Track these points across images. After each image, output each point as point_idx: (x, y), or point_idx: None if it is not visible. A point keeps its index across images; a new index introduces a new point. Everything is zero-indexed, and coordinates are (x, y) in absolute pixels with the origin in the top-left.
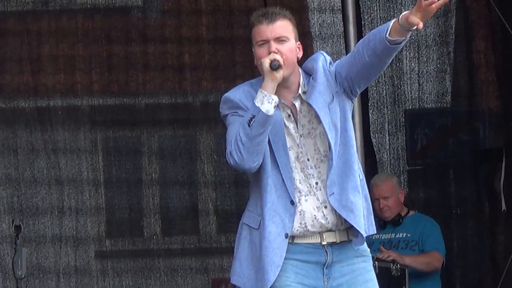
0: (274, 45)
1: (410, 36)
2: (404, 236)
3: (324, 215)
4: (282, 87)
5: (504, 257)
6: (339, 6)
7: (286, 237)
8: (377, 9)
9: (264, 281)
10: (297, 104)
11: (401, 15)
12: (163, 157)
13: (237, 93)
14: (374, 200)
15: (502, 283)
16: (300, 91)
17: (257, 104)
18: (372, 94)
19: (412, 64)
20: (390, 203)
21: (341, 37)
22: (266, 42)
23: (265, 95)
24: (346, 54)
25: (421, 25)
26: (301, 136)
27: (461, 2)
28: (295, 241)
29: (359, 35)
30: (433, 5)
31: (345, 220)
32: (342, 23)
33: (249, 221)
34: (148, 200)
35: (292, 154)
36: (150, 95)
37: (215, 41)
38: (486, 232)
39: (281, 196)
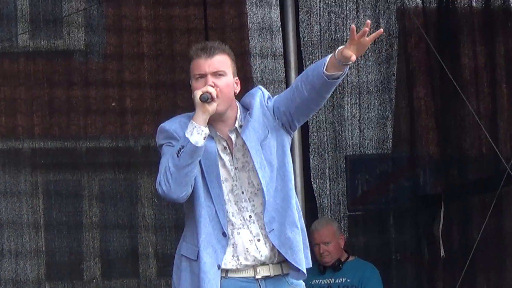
0: (211, 79)
1: (351, 83)
2: (343, 281)
3: (257, 248)
4: (219, 120)
5: None
6: (281, 52)
7: (218, 269)
8: (318, 55)
9: None
10: (233, 137)
11: (337, 50)
12: (103, 201)
13: (172, 124)
14: (314, 245)
15: None
16: (236, 125)
17: (186, 135)
18: (313, 139)
19: (353, 110)
20: (331, 248)
21: (283, 83)
22: (204, 76)
23: (195, 127)
24: None
25: (353, 57)
26: (235, 169)
27: (402, 49)
28: (228, 275)
29: None
30: (367, 38)
31: (279, 253)
32: (284, 69)
33: (187, 252)
34: (88, 243)
35: (226, 187)
36: (91, 138)
37: (157, 86)
38: (425, 277)
39: (214, 227)
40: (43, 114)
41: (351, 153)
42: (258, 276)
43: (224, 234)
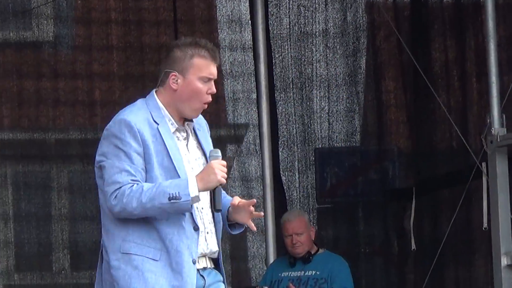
0: (213, 86)
1: (320, 76)
2: (313, 274)
3: (205, 241)
4: (180, 116)
5: None
6: (250, 44)
7: (194, 263)
8: (288, 48)
9: None
10: (189, 132)
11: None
12: (72, 192)
13: (137, 119)
14: (286, 236)
15: None
16: (194, 123)
17: (191, 194)
18: (282, 132)
19: (322, 103)
20: (303, 239)
21: (252, 75)
22: (211, 80)
23: (197, 195)
24: (257, 93)
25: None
26: (192, 160)
27: (370, 43)
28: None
29: (270, 73)
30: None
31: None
32: (253, 61)
33: (142, 252)
34: (57, 235)
35: None
36: (60, 130)
37: (126, 78)
38: (394, 270)
39: (181, 224)
40: (12, 105)
41: (320, 146)
42: (201, 266)
43: (196, 228)
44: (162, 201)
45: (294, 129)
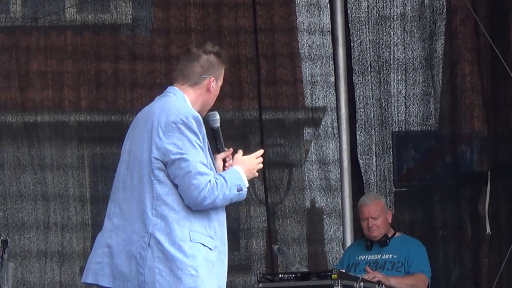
0: None
1: (398, 59)
2: (390, 257)
3: None
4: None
5: (488, 280)
6: (329, 27)
7: None
8: (366, 31)
9: None
10: None
11: None
12: None
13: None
14: (363, 219)
15: None
16: None
17: (246, 184)
18: (360, 115)
19: (400, 87)
20: (379, 222)
21: (330, 58)
22: None
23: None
24: (335, 76)
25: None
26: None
27: (447, 25)
28: None
29: (348, 57)
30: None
31: None
32: (332, 44)
33: (205, 241)
34: None
35: None
36: (137, 112)
37: None
38: (468, 254)
39: (222, 214)
40: (90, 88)
41: (397, 129)
42: None
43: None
44: (233, 192)
45: (372, 113)
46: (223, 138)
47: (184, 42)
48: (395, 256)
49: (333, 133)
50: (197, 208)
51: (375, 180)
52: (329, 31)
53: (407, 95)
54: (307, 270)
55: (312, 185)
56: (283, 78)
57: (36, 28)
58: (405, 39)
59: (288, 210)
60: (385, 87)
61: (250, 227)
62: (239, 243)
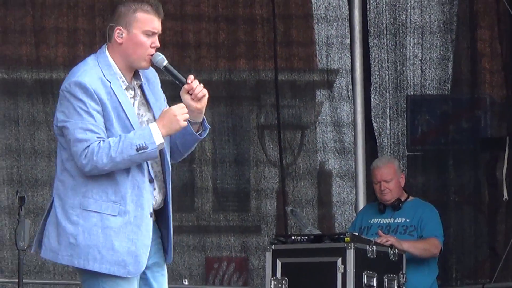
0: (157, 40)
1: (414, 22)
2: (403, 221)
3: (155, 193)
4: (130, 70)
5: (504, 246)
6: None
7: (151, 216)
8: None
9: (138, 264)
10: (137, 89)
11: None
12: None
13: (92, 80)
14: (376, 183)
15: (500, 271)
16: (142, 80)
17: (157, 142)
18: (375, 78)
19: (416, 50)
20: (391, 186)
21: (346, 20)
22: (155, 34)
23: (163, 142)
24: (350, 38)
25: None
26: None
27: None
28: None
29: (364, 19)
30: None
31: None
32: (348, 6)
33: (100, 208)
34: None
35: None
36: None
37: (218, 20)
38: (484, 219)
39: (140, 178)
40: None
41: (412, 93)
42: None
43: (151, 181)
44: (130, 153)
45: (387, 76)
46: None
47: (197, 1)
48: (407, 220)
49: (348, 95)
50: (86, 174)
51: (389, 143)
52: None
53: (423, 58)
54: (320, 232)
55: (326, 147)
56: (298, 39)
57: None
58: (422, 2)
59: (301, 171)
60: (401, 50)
61: (263, 188)
62: (250, 204)
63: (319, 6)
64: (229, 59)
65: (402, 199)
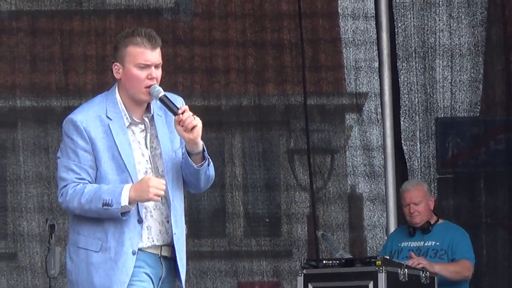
0: (154, 71)
1: (443, 45)
2: (433, 244)
3: (166, 230)
4: (136, 105)
5: None
6: (373, 13)
7: (133, 254)
8: (411, 17)
9: None
10: (147, 122)
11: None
12: None
13: (84, 117)
14: (404, 205)
15: None
16: (153, 112)
17: (122, 202)
18: (404, 101)
19: (445, 73)
20: (421, 208)
21: (374, 44)
22: (149, 66)
23: (127, 205)
24: (379, 62)
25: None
26: (150, 153)
27: (500, 12)
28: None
29: (392, 42)
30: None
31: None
32: (375, 30)
33: (86, 244)
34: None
35: (139, 170)
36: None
37: (246, 45)
38: None
39: (130, 216)
40: None
41: (442, 116)
42: (162, 254)
43: (140, 221)
44: (97, 205)
45: (416, 99)
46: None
47: (225, 27)
48: (437, 243)
49: (377, 118)
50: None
51: (419, 166)
52: (373, 16)
53: (453, 81)
54: (351, 256)
55: (356, 171)
56: (326, 64)
57: (80, 12)
58: (451, 25)
59: (331, 196)
60: (430, 73)
61: (293, 212)
62: (281, 228)
63: (347, 30)
64: (258, 84)
65: (432, 222)
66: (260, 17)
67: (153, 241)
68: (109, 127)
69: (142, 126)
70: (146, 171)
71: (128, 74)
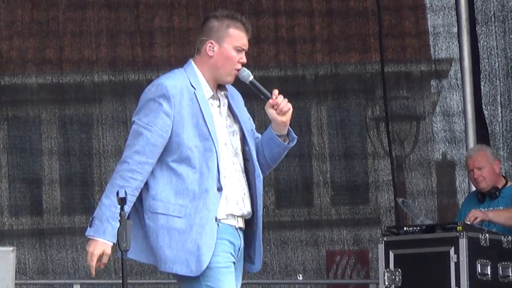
0: (244, 57)
1: None
2: (501, 209)
3: (243, 201)
4: (215, 84)
5: None
6: None
7: (216, 221)
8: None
9: (199, 263)
10: (222, 99)
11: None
12: None
13: (174, 84)
14: (469, 171)
15: None
16: (228, 90)
17: (95, 235)
18: (484, 66)
19: None
20: (485, 173)
21: (453, 9)
22: (243, 51)
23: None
24: (458, 27)
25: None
26: (226, 127)
27: None
28: (220, 222)
29: (471, 7)
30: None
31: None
32: None
33: (166, 210)
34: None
35: (220, 141)
36: (261, 67)
37: (328, 14)
38: None
39: (210, 183)
40: None
41: None
42: (238, 226)
43: (219, 189)
44: (98, 210)
45: (496, 63)
46: None
47: None
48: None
49: (457, 84)
50: None
51: (501, 130)
52: None
53: None
54: (432, 222)
55: (437, 136)
56: (407, 30)
57: None
58: None
59: (414, 162)
60: (510, 36)
61: (377, 180)
62: (368, 196)
63: None
64: (339, 53)
65: (500, 186)
66: None
67: (229, 210)
68: (195, 94)
69: (218, 102)
70: (225, 143)
71: (224, 53)
